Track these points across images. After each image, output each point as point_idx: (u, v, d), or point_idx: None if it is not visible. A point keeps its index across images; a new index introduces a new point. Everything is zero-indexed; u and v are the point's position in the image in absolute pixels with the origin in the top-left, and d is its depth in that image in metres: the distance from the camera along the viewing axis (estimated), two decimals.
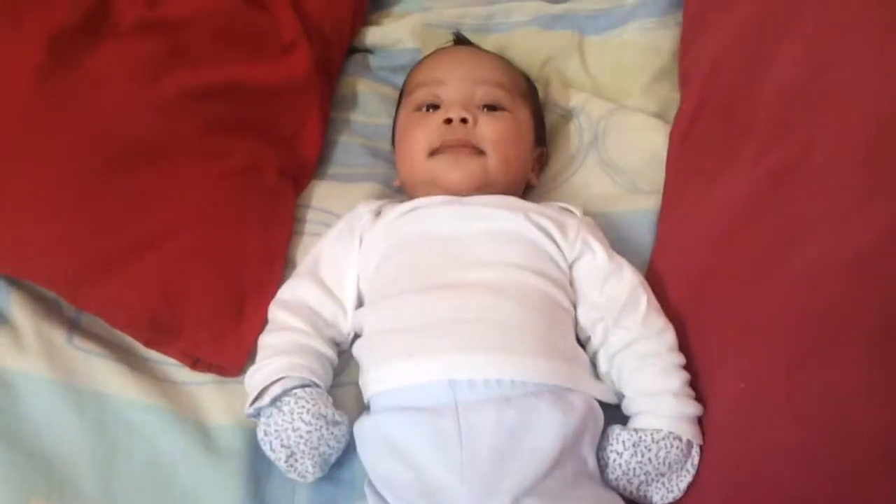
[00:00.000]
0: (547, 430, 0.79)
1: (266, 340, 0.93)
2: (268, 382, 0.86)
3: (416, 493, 0.79)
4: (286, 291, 0.96)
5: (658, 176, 1.12)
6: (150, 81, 0.96)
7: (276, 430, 0.84)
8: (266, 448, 0.86)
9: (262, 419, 0.86)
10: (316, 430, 0.84)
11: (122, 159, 0.94)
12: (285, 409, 0.84)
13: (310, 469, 0.85)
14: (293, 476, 0.86)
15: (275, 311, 0.94)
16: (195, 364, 0.96)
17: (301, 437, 0.83)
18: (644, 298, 0.91)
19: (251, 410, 0.87)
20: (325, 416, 0.84)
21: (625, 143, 1.15)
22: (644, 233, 1.07)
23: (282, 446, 0.84)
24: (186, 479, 0.90)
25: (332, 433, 0.85)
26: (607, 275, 0.92)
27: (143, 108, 0.95)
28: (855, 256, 0.81)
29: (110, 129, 0.94)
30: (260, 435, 0.86)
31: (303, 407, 0.84)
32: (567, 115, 1.20)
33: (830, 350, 0.79)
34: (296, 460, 0.85)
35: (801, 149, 0.91)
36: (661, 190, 1.11)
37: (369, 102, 1.25)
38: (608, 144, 1.16)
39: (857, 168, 0.86)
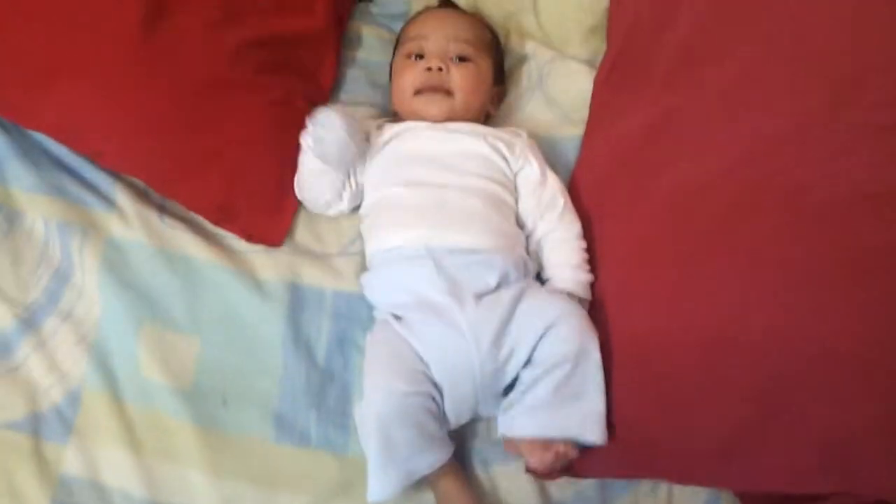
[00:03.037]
0: (491, 266, 1.18)
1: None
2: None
3: (418, 305, 1.17)
4: None
5: (585, 110, 1.42)
6: (217, 32, 1.24)
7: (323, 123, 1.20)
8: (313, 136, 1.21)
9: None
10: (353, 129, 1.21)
11: (202, 90, 1.24)
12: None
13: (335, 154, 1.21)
14: (319, 152, 1.21)
15: None
16: (249, 238, 1.28)
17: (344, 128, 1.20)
18: (561, 201, 1.28)
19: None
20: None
21: (562, 84, 1.46)
22: (571, 152, 1.40)
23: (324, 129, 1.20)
24: (246, 313, 1.23)
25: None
26: (538, 183, 1.28)
27: (215, 53, 1.25)
28: (716, 175, 1.09)
29: (194, 68, 1.23)
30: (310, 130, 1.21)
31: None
32: (521, 60, 1.50)
33: (681, 239, 1.10)
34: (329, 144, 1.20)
35: (685, 95, 1.19)
36: (586, 121, 1.41)
37: (370, 43, 1.53)
38: (549, 84, 1.46)
39: (720, 112, 1.13)
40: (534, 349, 1.13)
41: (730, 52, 1.15)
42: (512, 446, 1.16)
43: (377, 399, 1.10)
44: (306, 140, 1.24)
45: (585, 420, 1.11)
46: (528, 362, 1.14)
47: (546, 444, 1.12)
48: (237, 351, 1.22)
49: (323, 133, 1.21)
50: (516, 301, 1.16)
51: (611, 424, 1.12)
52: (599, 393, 1.12)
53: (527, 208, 1.29)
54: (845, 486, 0.96)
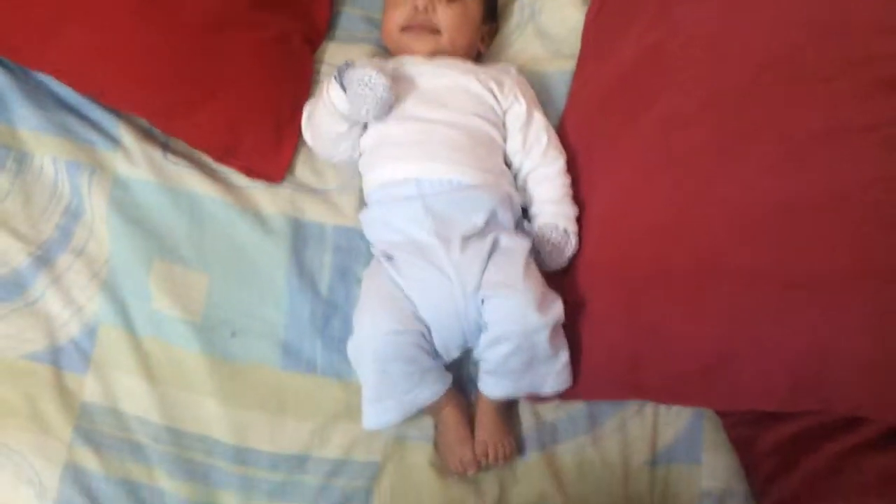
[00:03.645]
0: (478, 204, 1.22)
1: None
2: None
3: (407, 245, 1.22)
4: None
5: (576, 45, 1.44)
6: None
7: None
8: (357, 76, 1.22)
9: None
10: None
11: (197, 29, 1.27)
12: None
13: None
14: (356, 103, 1.21)
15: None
16: (250, 173, 1.33)
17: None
18: (545, 137, 1.32)
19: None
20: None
21: (555, 19, 1.47)
22: (562, 86, 1.43)
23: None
24: (250, 246, 1.28)
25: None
26: (525, 121, 1.32)
27: None
28: (692, 110, 1.15)
29: (191, 9, 1.26)
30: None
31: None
32: None
33: (668, 170, 1.15)
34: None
35: (668, 33, 1.23)
36: (577, 55, 1.44)
37: None
38: (542, 19, 1.48)
39: (705, 48, 1.17)
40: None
41: None
42: None
43: (369, 337, 1.17)
44: (338, 95, 1.26)
45: (545, 379, 1.18)
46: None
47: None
48: (244, 284, 1.27)
49: (366, 92, 1.22)
50: (490, 252, 1.20)
51: (599, 349, 1.19)
52: (552, 359, 1.17)
53: (514, 146, 1.33)
54: (814, 405, 1.05)
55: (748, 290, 1.04)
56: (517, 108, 1.33)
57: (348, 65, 1.25)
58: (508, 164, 1.34)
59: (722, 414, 1.24)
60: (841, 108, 1.04)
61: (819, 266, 1.00)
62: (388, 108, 1.25)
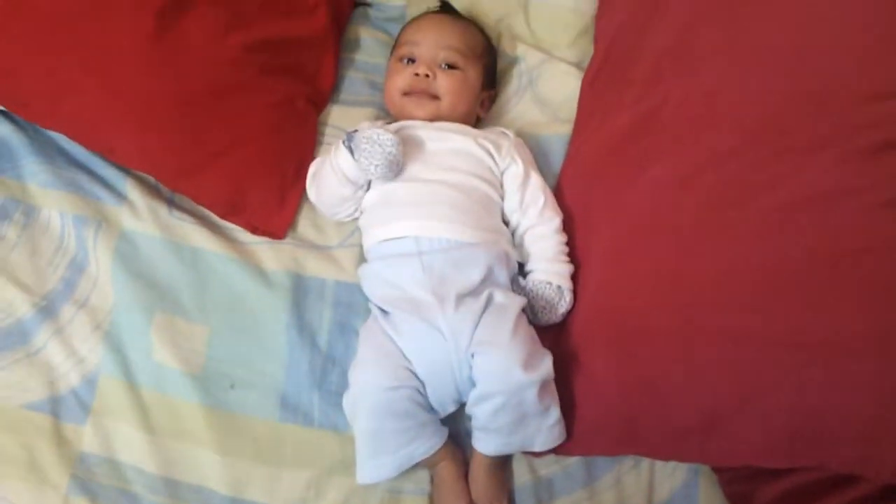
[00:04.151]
0: (474, 262, 1.24)
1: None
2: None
3: (403, 302, 1.23)
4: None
5: (573, 110, 1.48)
6: (222, 38, 1.32)
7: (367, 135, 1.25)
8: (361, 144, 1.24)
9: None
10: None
11: (207, 94, 1.30)
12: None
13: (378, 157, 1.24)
14: (365, 160, 1.24)
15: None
16: (254, 230, 1.35)
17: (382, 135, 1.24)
18: (542, 197, 1.34)
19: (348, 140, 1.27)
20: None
21: (552, 85, 1.51)
22: (559, 149, 1.46)
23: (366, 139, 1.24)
24: (251, 300, 1.29)
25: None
26: (522, 181, 1.35)
27: (219, 57, 1.32)
28: (686, 173, 1.17)
29: (199, 73, 1.30)
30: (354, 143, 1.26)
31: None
32: (512, 62, 1.56)
33: (662, 230, 1.18)
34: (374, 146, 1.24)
35: (661, 99, 1.26)
36: (574, 120, 1.47)
37: (368, 45, 1.59)
38: (540, 85, 1.52)
39: (696, 116, 1.20)
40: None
41: (708, 58, 1.23)
42: None
43: (364, 393, 1.18)
44: (346, 159, 1.29)
45: (536, 436, 1.18)
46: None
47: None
48: (244, 337, 1.29)
49: (375, 149, 1.25)
50: (483, 309, 1.22)
51: (594, 404, 1.20)
52: (543, 416, 1.17)
53: (511, 205, 1.36)
54: (812, 461, 1.05)
55: (742, 348, 1.06)
56: (514, 168, 1.36)
57: (356, 130, 1.29)
58: (506, 222, 1.37)
59: (718, 469, 1.23)
60: (827, 175, 1.07)
61: (811, 327, 1.02)
62: (396, 165, 1.27)
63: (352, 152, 1.27)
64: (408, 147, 1.33)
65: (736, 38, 1.20)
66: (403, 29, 1.51)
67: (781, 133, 1.12)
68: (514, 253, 1.32)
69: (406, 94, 1.41)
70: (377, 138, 1.25)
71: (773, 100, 1.14)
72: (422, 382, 1.20)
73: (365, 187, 1.34)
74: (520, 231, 1.35)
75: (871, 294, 1.01)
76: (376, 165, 1.25)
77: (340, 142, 1.30)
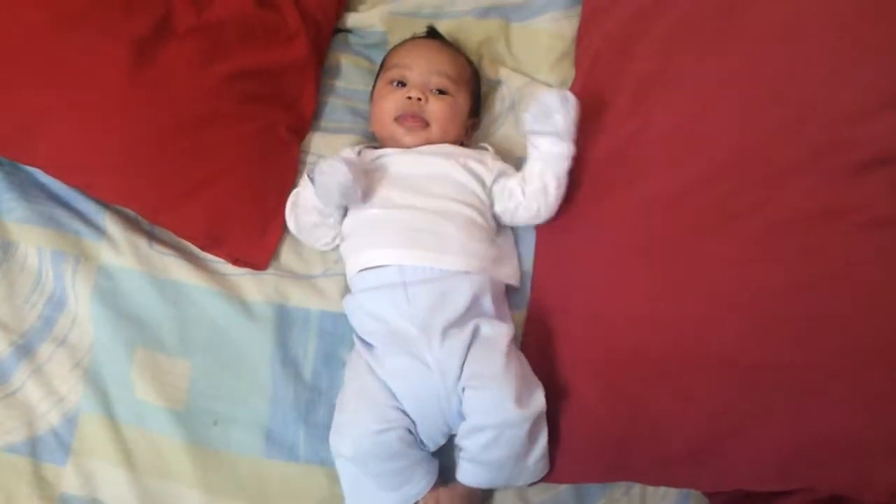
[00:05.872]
0: (459, 290, 1.22)
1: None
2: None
3: (387, 336, 1.21)
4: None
5: None
6: (202, 69, 1.31)
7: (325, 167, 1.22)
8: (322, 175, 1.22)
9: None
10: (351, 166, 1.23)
11: (187, 126, 1.29)
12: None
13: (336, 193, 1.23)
14: (319, 189, 1.23)
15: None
16: (236, 262, 1.34)
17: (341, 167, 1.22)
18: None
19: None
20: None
21: None
22: None
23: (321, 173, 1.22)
24: (234, 334, 1.28)
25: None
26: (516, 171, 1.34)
27: (199, 88, 1.30)
28: (669, 198, 1.17)
29: (178, 105, 1.28)
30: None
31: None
32: (494, 86, 1.54)
33: (647, 256, 1.17)
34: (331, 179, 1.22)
35: (642, 123, 1.26)
36: None
37: (349, 72, 1.56)
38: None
39: (679, 138, 1.20)
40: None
41: (689, 83, 1.23)
42: None
43: (349, 440, 1.16)
44: (308, 190, 1.28)
45: (522, 472, 1.18)
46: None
47: None
48: (227, 372, 1.27)
49: (328, 180, 1.23)
50: (470, 341, 1.21)
51: (585, 431, 1.19)
52: (530, 450, 1.16)
53: (513, 182, 1.34)
54: (804, 484, 1.04)
55: (731, 374, 1.05)
56: (503, 167, 1.36)
57: (325, 160, 1.27)
58: (499, 224, 1.36)
59: (709, 494, 1.22)
60: (812, 196, 1.06)
61: (801, 350, 1.02)
62: (352, 192, 1.24)
63: (313, 182, 1.26)
64: (387, 173, 1.32)
65: (716, 63, 1.19)
66: (392, 52, 1.50)
67: (763, 156, 1.11)
68: (500, 279, 1.31)
69: (398, 118, 1.38)
70: (329, 169, 1.23)
71: (753, 123, 1.13)
72: (412, 420, 1.18)
73: (335, 215, 1.32)
74: (528, 189, 1.32)
75: (858, 316, 1.01)
76: (329, 196, 1.24)
77: (305, 173, 1.29)
